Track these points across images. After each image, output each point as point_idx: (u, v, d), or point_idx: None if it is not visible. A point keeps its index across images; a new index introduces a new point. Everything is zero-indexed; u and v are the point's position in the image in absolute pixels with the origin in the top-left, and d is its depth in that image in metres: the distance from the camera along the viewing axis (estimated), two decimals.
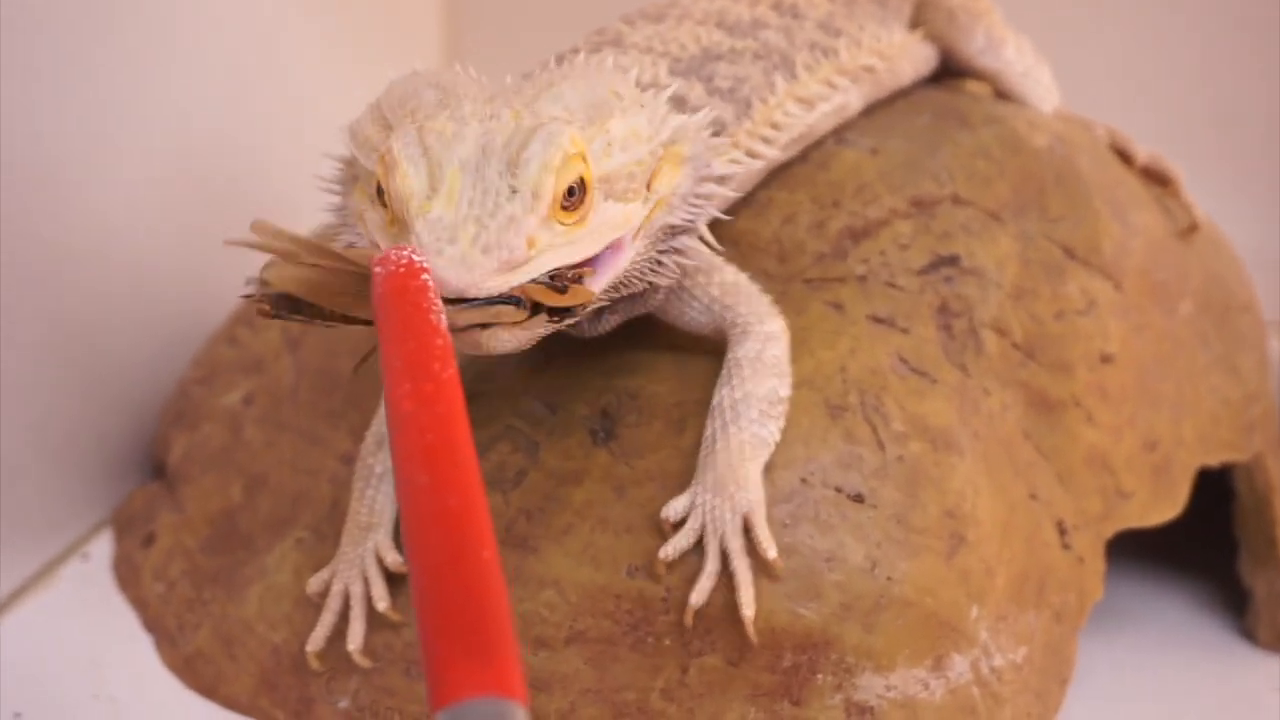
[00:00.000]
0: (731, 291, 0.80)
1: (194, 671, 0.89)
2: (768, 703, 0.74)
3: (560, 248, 0.66)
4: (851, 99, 0.92)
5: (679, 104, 0.81)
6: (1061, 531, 0.84)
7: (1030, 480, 0.83)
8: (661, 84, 0.80)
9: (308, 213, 0.88)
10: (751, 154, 0.85)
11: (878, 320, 0.83)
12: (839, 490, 0.77)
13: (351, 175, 0.75)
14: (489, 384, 0.85)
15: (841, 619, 0.75)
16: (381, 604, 0.80)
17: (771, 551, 0.73)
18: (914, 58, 0.99)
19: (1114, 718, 0.87)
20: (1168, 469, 0.90)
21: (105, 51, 1.02)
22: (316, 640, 0.82)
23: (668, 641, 0.75)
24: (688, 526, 0.75)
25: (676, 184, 0.74)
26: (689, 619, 0.73)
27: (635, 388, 0.82)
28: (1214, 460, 0.94)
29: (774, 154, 0.87)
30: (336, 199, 0.78)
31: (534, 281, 0.65)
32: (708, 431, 0.77)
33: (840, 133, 0.91)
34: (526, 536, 0.80)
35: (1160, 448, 0.90)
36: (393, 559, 0.81)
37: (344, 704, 0.81)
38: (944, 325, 0.83)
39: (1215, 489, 0.96)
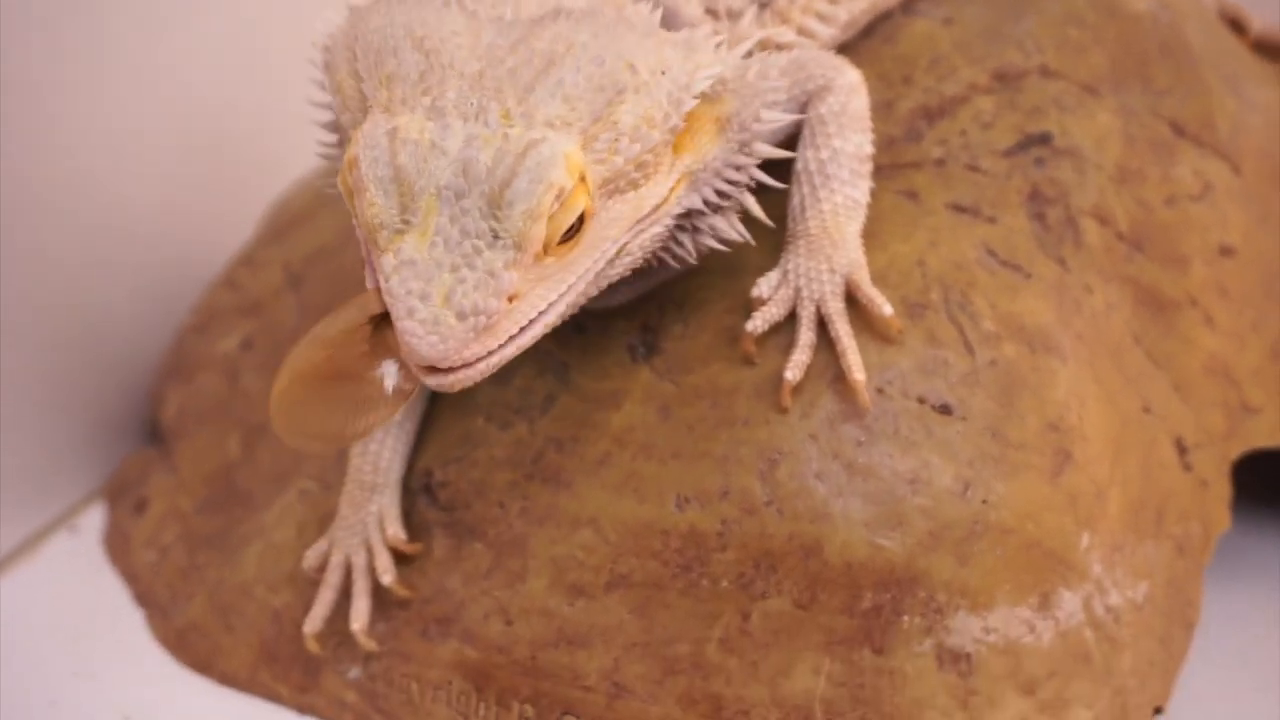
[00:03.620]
0: (797, 64, 0.71)
1: (187, 646, 0.82)
2: (845, 651, 0.66)
3: (550, 278, 0.59)
4: None
5: None
6: (1181, 450, 0.75)
7: (1143, 391, 0.74)
8: None
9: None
10: (805, 32, 0.76)
11: (959, 209, 0.74)
12: (922, 401, 0.68)
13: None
14: None
15: (930, 550, 0.66)
16: (386, 577, 0.73)
17: (886, 308, 0.67)
18: None
19: (1241, 672, 0.78)
20: None
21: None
22: (314, 621, 0.74)
23: (725, 583, 0.68)
24: (778, 295, 0.69)
25: (711, 153, 0.65)
26: (785, 399, 0.67)
27: (681, 295, 0.74)
28: None
29: (830, 34, 0.78)
30: (327, 116, 0.70)
31: None
32: (794, 199, 0.70)
33: (908, 3, 0.83)
34: (558, 469, 0.72)
35: None
36: (394, 532, 0.73)
37: (354, 673, 0.75)
38: (1036, 214, 0.74)
39: None
